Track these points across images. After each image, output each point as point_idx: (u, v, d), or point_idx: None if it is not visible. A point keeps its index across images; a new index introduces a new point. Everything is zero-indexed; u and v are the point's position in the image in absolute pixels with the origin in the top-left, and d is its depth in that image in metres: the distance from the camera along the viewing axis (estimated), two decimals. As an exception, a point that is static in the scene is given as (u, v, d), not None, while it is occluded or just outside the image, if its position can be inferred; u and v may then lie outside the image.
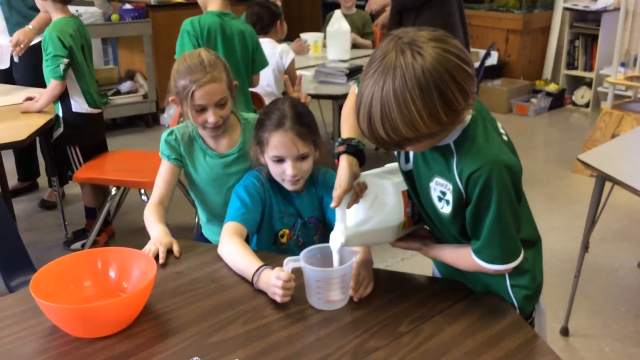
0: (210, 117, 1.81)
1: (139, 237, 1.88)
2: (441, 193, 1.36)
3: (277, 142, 1.66)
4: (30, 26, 3.22)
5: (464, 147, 1.29)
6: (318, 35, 4.58)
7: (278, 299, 1.40)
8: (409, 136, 1.18)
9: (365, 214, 1.44)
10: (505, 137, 1.39)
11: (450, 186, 1.33)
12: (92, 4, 4.96)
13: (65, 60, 2.90)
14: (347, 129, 1.51)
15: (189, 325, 1.35)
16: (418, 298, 1.44)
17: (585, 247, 2.48)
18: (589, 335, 2.61)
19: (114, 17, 4.92)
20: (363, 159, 1.45)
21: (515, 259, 1.36)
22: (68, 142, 3.09)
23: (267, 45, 3.35)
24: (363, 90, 1.20)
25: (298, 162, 1.69)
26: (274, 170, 1.71)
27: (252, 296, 1.45)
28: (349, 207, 1.42)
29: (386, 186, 1.46)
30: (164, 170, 1.89)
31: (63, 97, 3.03)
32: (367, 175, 1.47)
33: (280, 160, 1.68)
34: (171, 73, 1.86)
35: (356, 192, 1.41)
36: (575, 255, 2.64)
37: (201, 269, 1.58)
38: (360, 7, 4.75)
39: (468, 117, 1.29)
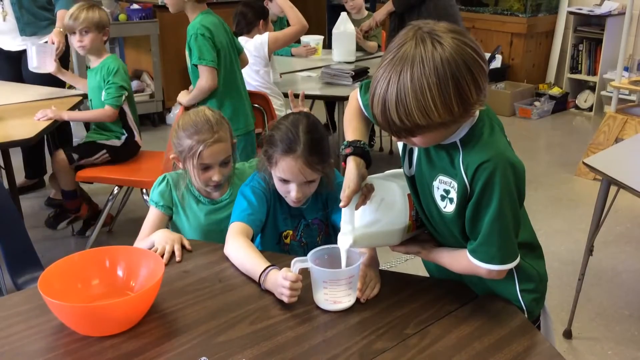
0: (216, 176, 1.82)
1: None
2: (444, 191, 1.36)
3: (285, 167, 1.64)
4: (59, 29, 3.26)
5: (470, 143, 1.31)
6: (319, 38, 4.59)
7: (285, 299, 1.40)
8: (421, 123, 1.19)
9: (373, 215, 1.45)
10: (507, 140, 1.40)
11: (454, 184, 1.33)
12: (99, 4, 4.97)
13: (126, 93, 3.06)
14: (351, 131, 1.52)
15: (196, 324, 1.35)
16: (425, 300, 1.45)
17: (589, 250, 2.48)
18: (592, 338, 2.61)
19: (122, 17, 4.93)
20: (369, 160, 1.46)
21: (512, 260, 1.36)
22: (105, 163, 3.13)
23: (242, 43, 3.29)
24: (379, 77, 1.21)
25: (303, 186, 1.68)
26: (279, 187, 1.71)
27: (259, 296, 1.45)
28: (357, 208, 1.42)
29: (393, 188, 1.47)
30: (152, 217, 1.86)
31: (127, 127, 3.15)
32: (374, 178, 1.47)
33: (286, 181, 1.68)
34: (173, 128, 1.86)
35: (364, 193, 1.42)
36: (578, 258, 2.64)
37: (208, 268, 1.58)
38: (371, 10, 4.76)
39: (476, 114, 1.31)
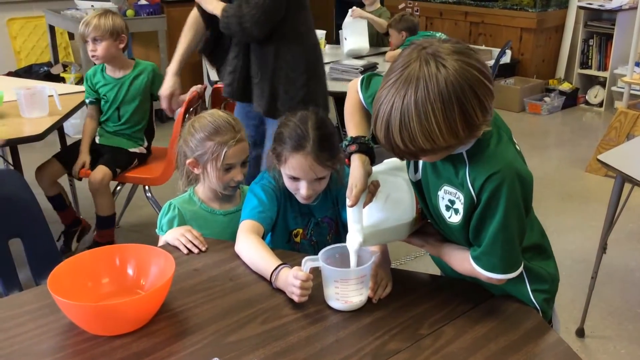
0: (239, 175, 1.80)
1: (150, 229, 1.86)
2: (449, 202, 1.34)
3: (295, 165, 1.62)
4: None
5: (476, 155, 1.28)
6: (321, 32, 4.55)
7: (296, 298, 1.38)
8: (425, 147, 1.17)
9: (380, 212, 1.43)
10: (517, 147, 1.37)
11: (459, 195, 1.31)
12: (107, 0, 4.96)
13: None
14: (353, 126, 1.50)
15: (207, 323, 1.33)
16: (438, 300, 1.42)
17: (603, 248, 2.45)
18: (605, 336, 2.59)
19: (129, 12, 4.91)
20: (374, 156, 1.44)
21: (514, 270, 1.34)
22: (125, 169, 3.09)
23: None
24: (382, 98, 1.18)
25: (313, 183, 1.66)
26: (288, 184, 1.69)
27: (270, 295, 1.44)
28: (364, 206, 1.40)
29: (399, 183, 1.45)
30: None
31: (149, 130, 3.17)
32: (378, 173, 1.45)
33: (295, 178, 1.66)
34: (184, 135, 1.82)
35: (371, 191, 1.40)
36: (590, 255, 2.61)
37: (218, 266, 1.56)
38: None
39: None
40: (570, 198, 3.93)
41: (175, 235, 1.67)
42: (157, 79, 3.00)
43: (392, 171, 1.50)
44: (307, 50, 2.47)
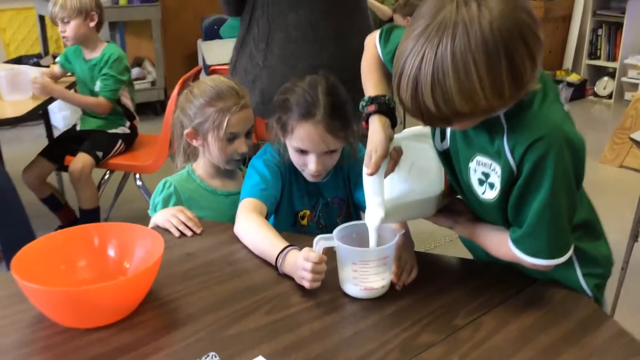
0: (243, 146, 1.61)
1: (142, 224, 1.66)
2: (483, 175, 1.15)
3: (304, 135, 1.45)
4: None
5: (516, 117, 1.08)
6: None
7: (306, 284, 1.19)
8: (462, 110, 0.97)
9: (404, 183, 1.25)
10: (566, 108, 1.17)
11: (495, 166, 1.12)
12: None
13: (124, 86, 2.87)
14: (372, 85, 1.31)
15: (202, 314, 1.15)
16: (473, 286, 1.24)
17: (634, 237, 2.27)
18: (635, 333, 2.38)
19: (122, 0, 4.76)
20: (395, 119, 1.25)
21: (563, 255, 1.15)
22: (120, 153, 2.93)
23: None
24: (408, 51, 0.98)
25: (323, 157, 1.48)
26: (295, 159, 1.51)
27: (276, 281, 1.25)
28: (385, 176, 1.21)
29: (425, 150, 1.27)
30: None
31: (129, 114, 2.97)
32: (400, 139, 1.27)
33: (303, 152, 1.48)
34: (182, 103, 1.63)
35: (393, 158, 1.21)
36: (613, 248, 2.41)
37: (216, 250, 1.38)
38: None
39: None
40: (585, 190, 3.74)
41: (165, 216, 1.48)
42: (114, 64, 2.81)
43: (415, 137, 1.31)
44: (277, 30, 2.05)
